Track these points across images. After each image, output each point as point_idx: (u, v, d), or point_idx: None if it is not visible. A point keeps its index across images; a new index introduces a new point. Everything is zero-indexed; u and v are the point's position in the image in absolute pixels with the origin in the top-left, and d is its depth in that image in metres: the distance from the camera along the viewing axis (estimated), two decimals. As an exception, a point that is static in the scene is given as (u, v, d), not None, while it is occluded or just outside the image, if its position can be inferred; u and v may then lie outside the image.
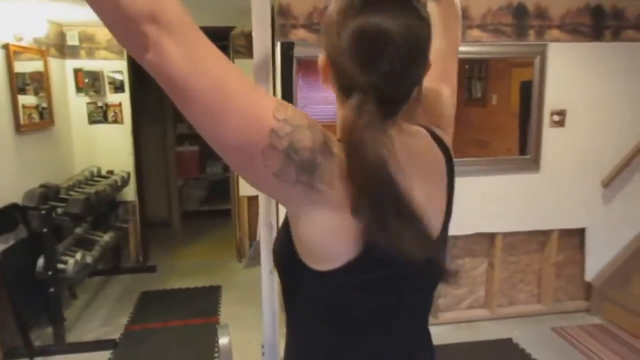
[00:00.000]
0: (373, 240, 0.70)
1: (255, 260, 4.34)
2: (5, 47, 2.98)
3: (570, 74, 3.15)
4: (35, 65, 3.42)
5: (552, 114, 3.16)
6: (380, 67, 0.71)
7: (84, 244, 3.37)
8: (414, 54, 0.74)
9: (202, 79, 0.61)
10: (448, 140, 0.92)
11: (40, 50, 3.47)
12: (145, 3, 0.57)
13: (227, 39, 4.40)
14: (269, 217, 1.30)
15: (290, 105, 0.68)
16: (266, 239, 1.31)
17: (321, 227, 0.70)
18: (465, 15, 2.95)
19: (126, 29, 0.58)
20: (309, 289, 0.78)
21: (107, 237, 3.54)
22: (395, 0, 0.73)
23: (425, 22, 0.75)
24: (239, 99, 0.63)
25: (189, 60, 0.60)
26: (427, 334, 0.94)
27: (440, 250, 0.85)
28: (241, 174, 0.70)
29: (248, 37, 4.24)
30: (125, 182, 3.90)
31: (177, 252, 4.77)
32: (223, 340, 1.34)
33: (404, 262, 0.74)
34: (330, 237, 0.70)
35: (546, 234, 3.31)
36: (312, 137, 0.66)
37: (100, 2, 0.57)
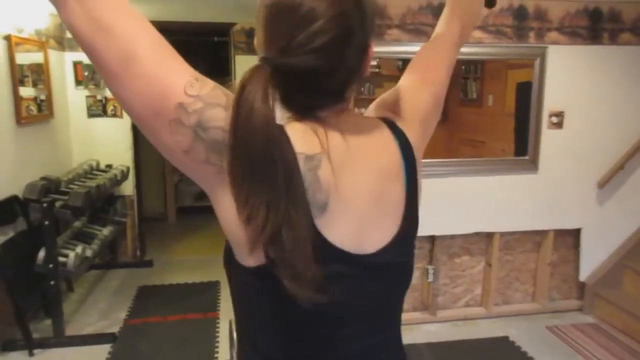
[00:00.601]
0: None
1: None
2: (7, 38, 2.95)
3: (569, 76, 3.20)
4: (35, 57, 3.39)
5: (550, 115, 3.21)
6: (280, 43, 0.67)
7: (83, 237, 3.35)
8: (327, 33, 0.66)
9: (106, 43, 0.60)
10: (414, 136, 0.81)
11: (41, 42, 3.44)
12: None
13: (227, 35, 4.41)
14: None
15: (211, 83, 0.65)
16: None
17: (235, 215, 0.63)
18: (468, 16, 2.98)
19: None
20: (239, 288, 0.75)
21: (106, 231, 3.53)
22: None
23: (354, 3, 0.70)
24: (147, 65, 0.61)
25: (94, 22, 0.60)
26: (392, 342, 0.84)
27: (397, 254, 0.76)
28: (154, 145, 0.66)
29: (249, 33, 4.24)
30: (124, 176, 3.89)
31: (173, 247, 4.76)
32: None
33: (343, 260, 0.69)
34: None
35: (542, 233, 3.37)
36: (226, 117, 0.62)
37: None
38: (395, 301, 0.82)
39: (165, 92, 0.61)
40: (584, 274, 3.42)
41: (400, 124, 0.81)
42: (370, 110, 0.88)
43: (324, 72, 0.69)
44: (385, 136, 0.78)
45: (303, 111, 0.72)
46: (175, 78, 0.62)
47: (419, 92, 0.88)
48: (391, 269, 0.76)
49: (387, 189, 0.75)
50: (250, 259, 0.66)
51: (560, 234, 3.38)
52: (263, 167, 0.62)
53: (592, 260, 3.41)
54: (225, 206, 0.65)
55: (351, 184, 0.70)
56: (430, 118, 0.88)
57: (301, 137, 0.68)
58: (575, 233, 3.40)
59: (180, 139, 0.62)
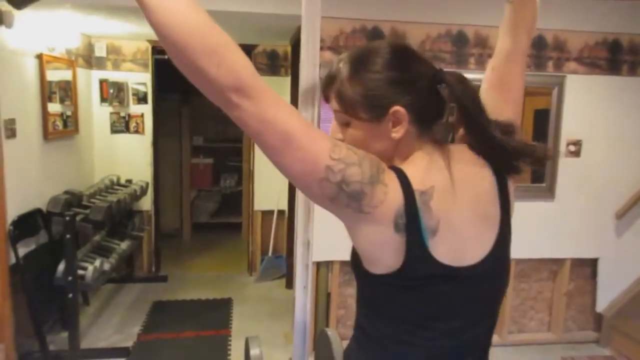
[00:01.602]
0: (412, 251, 0.83)
1: (266, 274, 4.36)
2: (39, 56, 3.08)
3: (587, 106, 3.20)
4: (64, 75, 3.50)
5: (568, 144, 3.21)
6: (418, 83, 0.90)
7: (101, 251, 3.41)
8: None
9: (271, 129, 0.78)
10: None
11: (70, 60, 3.57)
12: (229, 79, 0.75)
13: (249, 56, 4.50)
14: (306, 235, 1.35)
15: (344, 145, 0.83)
16: (302, 255, 1.36)
17: (368, 240, 0.85)
18: (487, 44, 3.02)
19: (217, 96, 0.77)
20: (367, 289, 0.94)
21: (124, 245, 3.59)
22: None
23: None
24: (301, 141, 0.79)
25: (261, 116, 0.77)
26: (484, 345, 0.98)
27: (495, 262, 0.91)
28: (304, 194, 0.86)
29: (270, 55, 4.34)
30: (143, 191, 3.96)
31: (188, 263, 4.80)
32: (254, 352, 1.38)
33: (449, 273, 0.86)
34: (376, 247, 0.85)
35: (558, 262, 3.33)
36: (361, 172, 0.80)
37: (197, 81, 0.75)
38: (493, 302, 0.97)
39: (317, 158, 0.79)
40: (601, 305, 3.37)
41: None
42: (461, 133, 0.97)
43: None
44: (478, 161, 0.93)
45: (426, 142, 0.91)
46: (321, 147, 0.80)
47: (502, 114, 0.97)
48: (488, 276, 0.92)
49: (486, 208, 0.91)
50: (376, 269, 0.86)
51: (577, 263, 3.35)
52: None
53: (609, 291, 3.36)
54: (362, 234, 0.84)
55: (458, 209, 0.87)
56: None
57: (420, 174, 0.86)
58: (593, 263, 3.37)
59: (327, 191, 0.81)
